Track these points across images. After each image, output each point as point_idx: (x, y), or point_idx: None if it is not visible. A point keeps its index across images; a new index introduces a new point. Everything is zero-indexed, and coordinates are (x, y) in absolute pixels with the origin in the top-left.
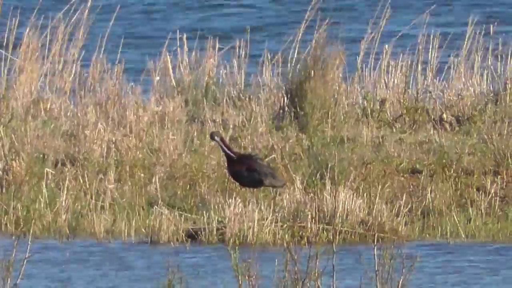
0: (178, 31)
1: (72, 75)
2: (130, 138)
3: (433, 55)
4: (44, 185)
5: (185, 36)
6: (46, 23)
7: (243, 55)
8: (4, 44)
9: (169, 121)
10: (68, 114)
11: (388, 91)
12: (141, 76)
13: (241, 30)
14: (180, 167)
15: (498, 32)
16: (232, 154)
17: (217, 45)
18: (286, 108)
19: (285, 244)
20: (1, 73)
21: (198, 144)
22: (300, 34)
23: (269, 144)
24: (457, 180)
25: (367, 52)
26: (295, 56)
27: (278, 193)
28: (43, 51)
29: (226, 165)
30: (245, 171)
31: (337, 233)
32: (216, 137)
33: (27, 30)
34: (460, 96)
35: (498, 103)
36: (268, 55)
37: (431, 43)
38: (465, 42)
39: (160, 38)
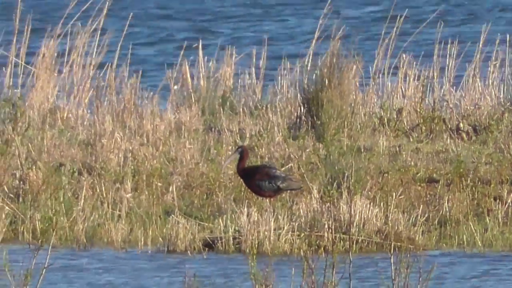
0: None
1: (89, 85)
2: (147, 147)
3: (450, 64)
4: (61, 194)
5: (200, 43)
6: (64, 33)
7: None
8: (21, 53)
9: (186, 130)
10: (85, 123)
11: (405, 101)
12: (159, 85)
13: (259, 40)
14: (197, 176)
15: None
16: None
17: (234, 54)
18: (303, 118)
19: (302, 253)
20: (18, 83)
21: (215, 153)
22: (314, 44)
23: (286, 154)
24: (474, 189)
25: (383, 61)
26: (310, 65)
27: (294, 202)
28: (60, 61)
29: (245, 181)
30: (266, 180)
31: (354, 242)
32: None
33: (44, 39)
34: (477, 106)
35: None
36: (285, 64)
37: (448, 52)
38: (480, 51)
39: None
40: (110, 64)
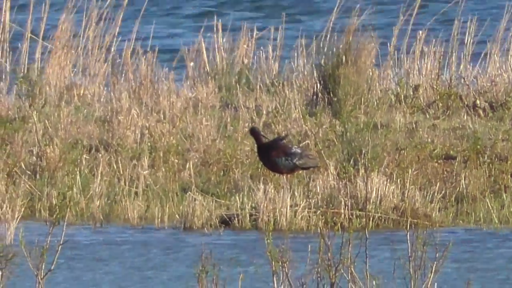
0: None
1: (106, 61)
2: (164, 124)
3: (468, 40)
4: (78, 171)
5: (220, 22)
6: (80, 9)
7: (277, 41)
8: (39, 30)
9: (202, 107)
10: (102, 99)
11: (422, 77)
12: (175, 61)
13: (277, 16)
14: (213, 153)
15: None
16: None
17: (255, 31)
18: (320, 94)
19: (318, 230)
20: (35, 59)
21: (232, 130)
22: (333, 20)
23: (303, 130)
24: (490, 166)
25: (400, 37)
26: (328, 42)
27: (311, 179)
28: (77, 37)
29: (261, 158)
30: (283, 157)
31: (370, 219)
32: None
33: (62, 16)
34: (493, 82)
35: None
36: (302, 41)
37: (467, 28)
38: (500, 28)
39: (193, 23)
40: (127, 41)
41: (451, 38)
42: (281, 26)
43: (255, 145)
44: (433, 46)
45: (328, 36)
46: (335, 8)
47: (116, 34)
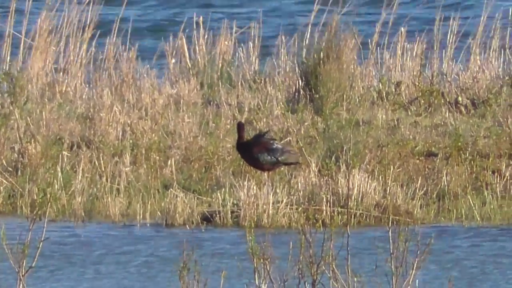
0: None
1: (87, 58)
2: (146, 121)
3: (450, 38)
4: (59, 168)
5: (201, 18)
6: (61, 6)
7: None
8: (22, 26)
9: (184, 103)
10: (84, 96)
11: (404, 74)
12: (156, 58)
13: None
14: (195, 150)
15: None
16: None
17: (234, 27)
18: (301, 91)
19: (300, 227)
20: (17, 56)
21: (214, 126)
22: (313, 17)
23: (284, 127)
24: (472, 163)
25: (382, 35)
26: (309, 38)
27: (293, 176)
28: (58, 34)
29: (243, 155)
30: (265, 153)
31: (352, 216)
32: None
33: (42, 12)
34: (475, 79)
35: None
36: (283, 37)
37: (449, 26)
38: (481, 25)
39: (176, 20)
40: (108, 37)
41: (433, 34)
42: (260, 21)
43: (237, 141)
44: (415, 42)
45: (308, 33)
46: (315, 4)
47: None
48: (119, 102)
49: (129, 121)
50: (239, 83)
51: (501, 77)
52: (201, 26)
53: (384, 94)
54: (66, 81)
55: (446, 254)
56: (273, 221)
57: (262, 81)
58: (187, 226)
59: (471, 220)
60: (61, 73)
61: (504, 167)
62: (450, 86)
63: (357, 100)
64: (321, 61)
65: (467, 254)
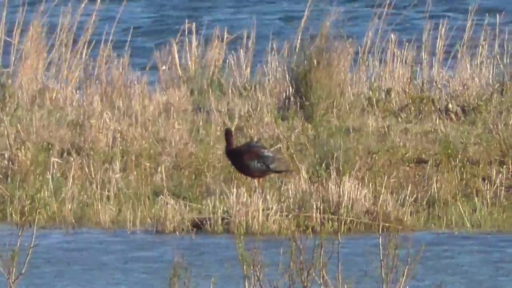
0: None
1: (79, 64)
2: (136, 128)
3: (440, 44)
4: (49, 175)
5: (194, 25)
6: (55, 12)
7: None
8: (13, 31)
9: (174, 110)
10: (74, 103)
11: (394, 81)
12: (147, 66)
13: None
14: (185, 157)
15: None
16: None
17: (225, 35)
18: (292, 98)
19: (290, 234)
20: (9, 62)
21: (204, 133)
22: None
23: (275, 134)
24: (462, 170)
25: (373, 42)
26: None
27: (283, 183)
28: (50, 40)
29: (233, 162)
30: (255, 160)
31: (342, 223)
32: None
33: (34, 18)
34: (465, 86)
35: (503, 93)
36: (274, 44)
37: (439, 32)
38: (469, 32)
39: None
40: (100, 43)
41: (423, 40)
42: (253, 29)
43: (226, 147)
44: (406, 49)
45: (299, 39)
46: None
47: (89, 37)
48: (110, 109)
49: (119, 128)
50: (230, 90)
51: (492, 84)
52: (194, 33)
53: (375, 101)
54: (57, 88)
55: (438, 260)
56: (264, 228)
57: (253, 88)
58: (177, 233)
59: (461, 227)
60: (52, 80)
61: (494, 174)
62: (441, 93)
63: (348, 107)
64: (311, 68)
65: (459, 261)
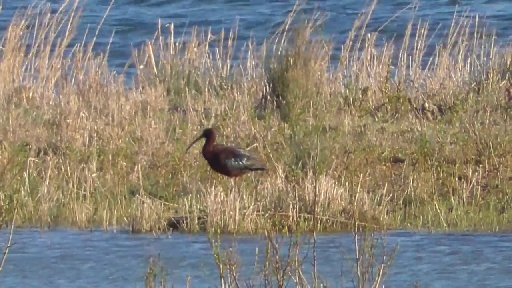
0: (159, 19)
1: (55, 64)
2: (112, 127)
3: (418, 44)
4: (26, 174)
5: (172, 25)
6: (33, 12)
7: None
8: None
9: (151, 110)
10: (51, 102)
11: (371, 80)
12: (124, 65)
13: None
14: (162, 156)
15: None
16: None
17: (205, 35)
18: (268, 97)
19: (266, 233)
20: None
21: (180, 133)
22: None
23: (251, 133)
24: (439, 169)
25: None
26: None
27: (259, 182)
28: (28, 40)
29: (211, 161)
30: (232, 158)
31: (319, 222)
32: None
33: (12, 18)
34: (442, 85)
35: (480, 92)
36: (251, 44)
37: (417, 32)
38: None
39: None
40: (78, 44)
41: (402, 41)
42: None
43: (204, 147)
44: (384, 49)
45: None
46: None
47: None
48: (86, 108)
49: (96, 127)
50: (206, 89)
51: (468, 83)
52: (172, 33)
53: (351, 100)
54: (33, 87)
55: (414, 259)
56: (240, 227)
57: (229, 87)
58: (153, 232)
59: (437, 226)
60: (29, 79)
61: (470, 173)
62: (417, 92)
63: (324, 106)
64: (288, 68)
65: (434, 260)
